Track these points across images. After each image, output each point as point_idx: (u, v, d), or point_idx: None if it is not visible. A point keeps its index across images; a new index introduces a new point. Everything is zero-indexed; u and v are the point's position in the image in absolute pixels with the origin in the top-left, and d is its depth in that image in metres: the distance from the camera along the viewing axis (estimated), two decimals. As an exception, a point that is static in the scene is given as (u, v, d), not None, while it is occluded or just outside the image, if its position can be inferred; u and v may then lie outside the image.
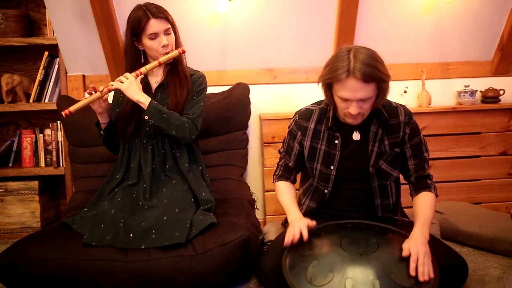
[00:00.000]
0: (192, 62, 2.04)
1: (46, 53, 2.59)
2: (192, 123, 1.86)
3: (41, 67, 2.58)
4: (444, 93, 2.71)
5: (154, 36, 1.81)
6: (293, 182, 1.86)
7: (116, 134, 1.95)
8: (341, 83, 1.50)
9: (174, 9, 1.97)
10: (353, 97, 1.51)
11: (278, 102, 2.63)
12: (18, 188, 2.51)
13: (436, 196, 1.66)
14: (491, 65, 2.72)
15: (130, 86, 1.78)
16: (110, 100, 1.95)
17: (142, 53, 1.89)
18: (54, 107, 2.49)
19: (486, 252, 2.05)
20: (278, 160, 1.91)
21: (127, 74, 1.81)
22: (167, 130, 1.81)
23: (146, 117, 1.79)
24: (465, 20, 2.57)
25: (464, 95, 2.61)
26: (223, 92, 2.43)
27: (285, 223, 1.86)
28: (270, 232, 2.01)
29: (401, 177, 1.77)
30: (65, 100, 2.35)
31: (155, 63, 1.84)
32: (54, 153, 2.60)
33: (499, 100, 2.63)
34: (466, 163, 2.52)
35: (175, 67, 1.91)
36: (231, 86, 2.45)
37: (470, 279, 1.70)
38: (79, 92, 2.55)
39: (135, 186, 1.85)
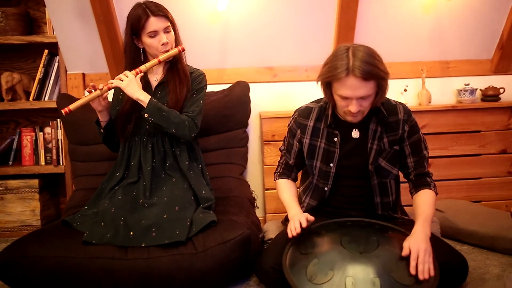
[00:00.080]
0: (192, 60, 2.04)
1: (46, 51, 2.59)
2: (192, 121, 1.86)
3: (41, 65, 2.58)
4: (444, 91, 2.71)
5: (154, 34, 1.81)
6: (294, 179, 1.86)
7: (116, 132, 1.94)
8: (341, 82, 1.50)
9: (174, 7, 1.98)
10: (353, 95, 1.51)
11: (278, 100, 2.62)
12: (18, 186, 2.51)
13: (436, 194, 1.66)
14: (491, 63, 2.72)
15: (130, 84, 1.77)
16: (110, 98, 1.95)
17: (142, 51, 1.89)
18: (54, 105, 2.49)
19: (486, 250, 2.04)
20: (279, 158, 1.91)
21: (126, 72, 1.81)
22: (167, 128, 1.81)
23: (146, 115, 1.78)
24: (465, 18, 2.57)
25: (464, 94, 2.60)
26: (223, 90, 2.43)
27: (286, 221, 1.86)
28: (270, 230, 2.01)
29: (401, 175, 1.77)
30: (65, 98, 2.35)
31: (155, 61, 1.83)
32: (54, 151, 2.60)
33: (499, 99, 2.62)
34: (466, 162, 2.52)
35: (175, 65, 1.91)
36: (231, 84, 2.45)
37: (470, 277, 1.70)
38: (79, 90, 2.55)
39: (135, 184, 1.85)
